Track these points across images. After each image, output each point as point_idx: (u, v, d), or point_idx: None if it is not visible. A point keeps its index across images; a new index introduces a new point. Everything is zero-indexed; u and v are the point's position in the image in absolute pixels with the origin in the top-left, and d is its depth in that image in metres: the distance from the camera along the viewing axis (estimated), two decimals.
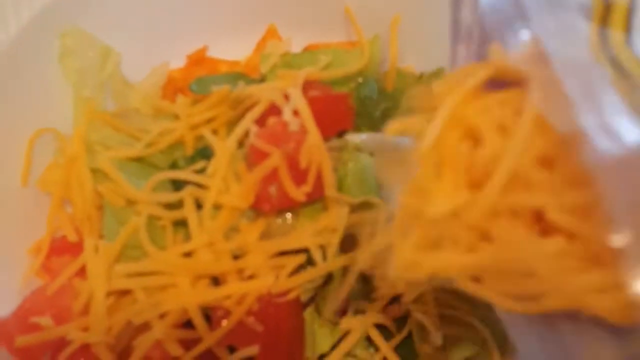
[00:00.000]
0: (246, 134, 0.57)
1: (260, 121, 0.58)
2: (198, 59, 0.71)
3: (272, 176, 0.53)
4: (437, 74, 0.67)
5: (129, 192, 0.58)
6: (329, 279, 0.57)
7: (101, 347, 0.56)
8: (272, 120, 0.54)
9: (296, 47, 0.71)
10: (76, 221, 0.63)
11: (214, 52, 0.72)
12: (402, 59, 0.69)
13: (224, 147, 0.55)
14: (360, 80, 0.64)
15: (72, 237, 0.63)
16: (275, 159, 0.52)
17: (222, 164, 0.55)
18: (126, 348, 0.57)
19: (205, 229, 0.54)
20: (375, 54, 0.66)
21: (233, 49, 0.72)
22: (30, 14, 0.60)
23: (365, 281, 0.60)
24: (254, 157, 0.53)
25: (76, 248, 0.63)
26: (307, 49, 0.71)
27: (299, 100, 0.55)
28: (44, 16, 0.61)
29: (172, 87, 0.69)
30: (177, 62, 0.71)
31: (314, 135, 0.53)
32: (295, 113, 0.56)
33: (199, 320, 0.53)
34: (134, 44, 0.67)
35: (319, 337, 0.57)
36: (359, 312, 0.58)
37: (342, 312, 0.58)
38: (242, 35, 0.72)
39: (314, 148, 0.52)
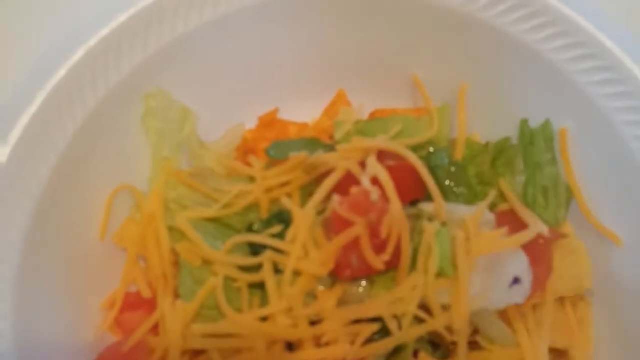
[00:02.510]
0: (322, 201, 0.59)
1: (336, 188, 0.59)
2: (269, 121, 0.73)
3: (353, 244, 0.54)
4: (503, 143, 0.68)
5: (207, 252, 0.60)
6: (398, 346, 0.58)
7: None
8: (354, 190, 0.56)
9: (363, 112, 0.74)
10: (150, 277, 0.64)
11: (284, 114, 0.75)
12: (467, 127, 0.71)
13: (304, 213, 0.57)
14: (431, 149, 0.65)
15: (147, 294, 0.64)
16: (360, 228, 0.53)
17: (302, 231, 0.56)
18: None
19: (284, 294, 0.55)
20: (444, 123, 0.67)
21: (302, 111, 0.74)
22: (117, 77, 0.63)
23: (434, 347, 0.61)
24: (337, 225, 0.55)
25: (149, 304, 0.64)
26: (374, 115, 0.73)
27: (379, 170, 0.56)
28: (129, 79, 0.64)
29: (245, 148, 0.72)
30: (249, 124, 0.74)
31: (396, 205, 0.55)
32: (373, 181, 0.57)
33: None
34: (209, 105, 0.70)
35: None
36: None
37: None
38: (311, 99, 0.74)
39: (396, 219, 0.54)
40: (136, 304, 0.65)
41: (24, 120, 0.59)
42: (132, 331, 0.62)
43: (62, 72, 0.60)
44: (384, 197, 0.56)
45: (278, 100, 0.75)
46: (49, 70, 0.60)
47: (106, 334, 0.65)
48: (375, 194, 0.55)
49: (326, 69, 0.73)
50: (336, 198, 0.55)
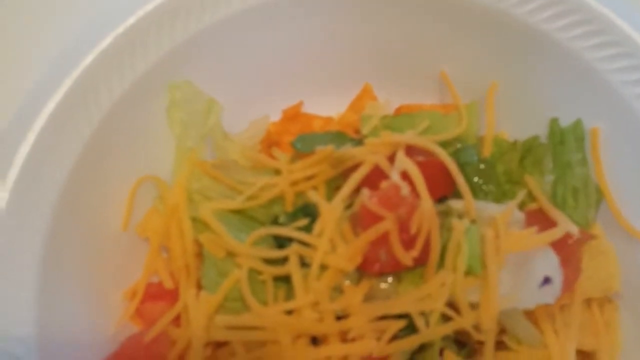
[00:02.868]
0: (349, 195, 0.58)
1: (363, 183, 0.58)
2: (293, 114, 0.72)
3: (382, 239, 0.53)
4: (532, 142, 0.67)
5: (231, 244, 0.59)
6: (424, 344, 0.57)
7: None
8: (384, 184, 0.55)
9: (389, 107, 0.73)
10: (173, 268, 0.64)
11: (308, 108, 0.74)
12: (495, 126, 0.70)
13: (332, 207, 0.56)
14: (459, 145, 0.65)
15: (169, 284, 0.64)
16: (389, 223, 0.52)
17: (330, 225, 0.55)
18: None
19: (310, 288, 0.55)
20: (473, 120, 0.67)
21: (327, 105, 0.74)
22: (144, 67, 0.62)
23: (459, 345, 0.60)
24: (365, 220, 0.54)
25: (171, 295, 0.64)
26: (400, 110, 0.72)
27: (409, 164, 0.56)
28: (155, 69, 0.63)
29: (268, 141, 0.71)
30: (274, 117, 0.73)
31: (427, 201, 0.54)
32: (402, 176, 0.56)
33: None
34: (234, 97, 0.69)
35: None
36: None
37: None
38: (337, 93, 0.73)
39: (426, 215, 0.53)
40: (158, 295, 0.64)
41: (50, 108, 0.58)
42: (153, 322, 0.62)
43: (88, 60, 0.59)
44: (414, 192, 0.55)
45: (303, 94, 0.74)
46: (75, 58, 0.59)
47: (128, 324, 0.65)
48: (405, 188, 0.54)
49: (352, 63, 0.72)
50: (365, 192, 0.54)
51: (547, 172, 0.66)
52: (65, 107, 0.59)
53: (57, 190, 0.58)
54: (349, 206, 0.58)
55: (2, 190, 0.56)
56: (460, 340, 0.60)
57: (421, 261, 0.55)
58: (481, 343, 0.58)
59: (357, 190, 0.59)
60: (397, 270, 0.55)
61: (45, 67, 0.58)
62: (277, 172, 0.65)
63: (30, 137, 0.57)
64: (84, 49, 0.59)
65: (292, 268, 0.56)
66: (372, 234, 0.53)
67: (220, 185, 0.65)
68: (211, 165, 0.66)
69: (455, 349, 0.59)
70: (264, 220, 0.62)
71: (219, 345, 0.58)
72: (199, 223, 0.63)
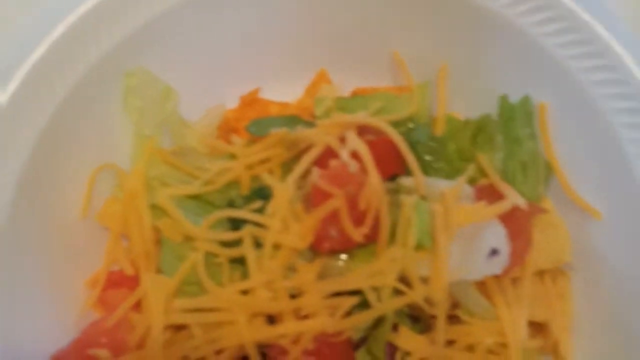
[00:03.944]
0: (302, 176, 0.59)
1: (316, 164, 0.59)
2: (250, 101, 0.73)
3: (332, 217, 0.54)
4: (484, 120, 0.69)
5: (188, 228, 0.60)
6: (378, 320, 0.58)
7: None
8: (333, 163, 0.56)
9: (344, 91, 0.74)
10: (132, 255, 0.65)
11: (266, 94, 0.75)
12: (447, 105, 0.71)
13: (284, 188, 0.57)
14: (410, 125, 0.66)
15: (129, 271, 0.64)
16: (339, 200, 0.53)
17: (282, 205, 0.56)
18: None
19: (264, 268, 0.56)
20: (424, 100, 0.68)
21: (283, 91, 0.74)
22: (98, 54, 0.63)
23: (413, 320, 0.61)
24: (316, 198, 0.55)
25: (132, 281, 0.65)
26: (355, 93, 0.73)
27: (358, 143, 0.57)
28: (110, 57, 0.63)
29: (226, 127, 0.72)
30: (231, 103, 0.74)
31: (374, 178, 0.55)
32: (352, 156, 0.57)
33: (255, 358, 0.55)
34: (191, 84, 0.70)
35: None
36: (406, 354, 0.59)
37: (392, 355, 0.59)
38: (293, 79, 0.74)
39: (375, 191, 0.54)
40: (119, 282, 0.65)
41: (3, 99, 0.59)
42: (115, 309, 0.62)
43: (41, 50, 0.60)
44: (363, 170, 0.56)
45: (260, 81, 0.75)
46: (29, 46, 0.60)
47: (90, 312, 0.65)
48: (353, 166, 0.55)
49: (307, 49, 0.73)
50: (315, 171, 0.56)
51: (498, 149, 0.67)
52: (19, 97, 0.59)
53: (13, 182, 0.58)
54: (302, 187, 0.59)
55: None
56: (414, 315, 0.61)
57: (372, 238, 0.56)
58: (435, 317, 0.59)
59: (310, 172, 0.60)
60: (349, 248, 0.56)
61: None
62: (234, 157, 0.65)
63: None
64: (36, 38, 0.60)
65: (246, 249, 0.57)
66: (322, 211, 0.54)
67: (178, 171, 0.66)
68: (169, 152, 0.66)
69: (410, 324, 0.60)
70: (221, 205, 0.63)
71: (178, 328, 0.59)
72: (157, 209, 0.63)
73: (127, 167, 0.67)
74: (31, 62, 0.59)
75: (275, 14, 0.70)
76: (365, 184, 0.55)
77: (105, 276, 0.65)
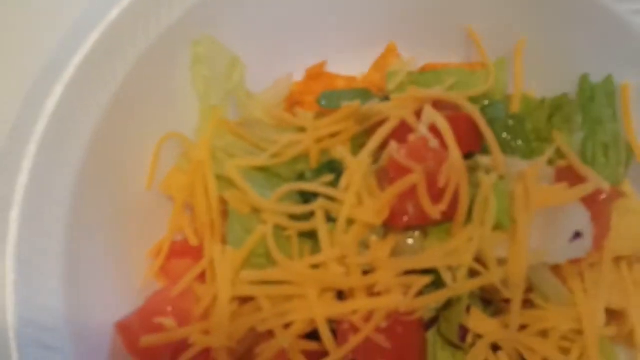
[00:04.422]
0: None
1: (390, 139, 0.58)
2: (316, 74, 0.72)
3: (409, 193, 0.53)
4: (561, 99, 0.66)
5: (256, 200, 0.59)
6: (448, 300, 0.57)
7: (222, 352, 0.56)
8: (412, 137, 0.54)
9: (414, 66, 0.72)
10: (197, 225, 0.64)
11: (332, 68, 0.73)
12: (523, 83, 0.68)
13: (358, 161, 0.56)
14: (486, 102, 0.63)
15: (193, 241, 0.64)
16: (417, 175, 0.52)
17: (356, 179, 0.55)
18: (246, 355, 0.58)
19: (336, 243, 0.54)
20: (501, 77, 0.65)
21: (350, 65, 0.73)
22: (168, 22, 0.62)
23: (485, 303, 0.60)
24: (393, 173, 0.53)
25: (196, 252, 0.64)
26: (425, 69, 0.71)
27: (438, 118, 0.55)
28: (180, 25, 0.62)
29: (291, 100, 0.70)
30: (296, 76, 0.72)
31: (455, 154, 0.53)
32: (430, 130, 0.56)
33: (326, 333, 0.53)
34: (257, 56, 0.68)
35: (441, 359, 0.56)
36: (477, 337, 0.57)
37: (462, 337, 0.57)
38: (360, 52, 0.72)
39: (455, 167, 0.52)
40: (183, 252, 0.64)
41: (76, 61, 0.58)
42: (178, 279, 0.62)
43: (113, 15, 0.59)
44: (442, 146, 0.54)
45: (327, 54, 0.73)
46: (101, 13, 0.59)
47: (152, 282, 0.65)
48: (433, 141, 0.53)
49: (376, 21, 0.71)
50: (394, 144, 0.54)
51: (576, 130, 0.65)
52: (92, 61, 0.59)
53: (82, 148, 0.58)
54: (374, 162, 0.58)
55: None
56: (486, 298, 0.60)
57: (449, 216, 0.54)
58: (507, 301, 0.57)
59: (382, 147, 0.59)
60: (424, 225, 0.55)
61: (71, 22, 0.58)
62: (301, 130, 0.64)
63: (58, 90, 0.57)
64: (110, 3, 0.59)
65: (319, 222, 0.55)
66: (400, 186, 0.52)
67: (244, 143, 0.65)
68: (235, 123, 0.65)
69: (481, 307, 0.59)
70: (288, 178, 0.62)
71: (244, 301, 0.58)
72: (223, 180, 0.62)
73: (193, 138, 0.66)
74: (101, 29, 0.59)
75: None
76: (444, 159, 0.53)
77: (168, 246, 0.64)
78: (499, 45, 0.69)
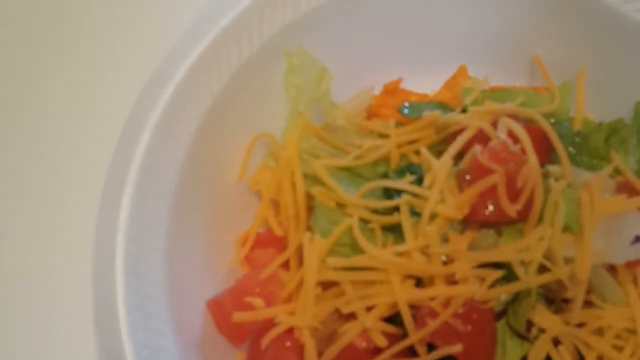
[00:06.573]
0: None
1: (466, 146, 0.64)
2: (393, 89, 0.78)
3: (489, 192, 0.59)
4: (617, 123, 0.72)
5: (342, 196, 0.65)
6: (516, 295, 0.62)
7: (306, 331, 0.62)
8: (494, 141, 0.60)
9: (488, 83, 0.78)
10: (282, 218, 0.70)
11: (406, 85, 0.80)
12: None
13: (442, 162, 0.62)
14: (552, 120, 0.70)
15: (278, 232, 0.70)
16: (499, 175, 0.57)
17: (440, 178, 0.61)
18: (328, 335, 0.63)
19: (419, 235, 0.60)
20: (565, 99, 0.72)
21: (423, 83, 0.79)
22: (270, 32, 0.69)
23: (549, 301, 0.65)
24: (475, 173, 0.59)
25: (279, 242, 0.70)
26: (493, 90, 0.77)
27: (516, 126, 0.61)
28: (278, 36, 0.70)
29: (368, 112, 0.77)
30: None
31: (533, 158, 0.59)
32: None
33: (407, 316, 0.59)
34: (342, 68, 0.75)
35: (509, 348, 0.61)
36: (541, 330, 0.62)
37: (527, 330, 0.62)
38: (433, 72, 0.79)
39: (532, 170, 0.58)
40: (267, 242, 0.70)
41: (187, 64, 0.65)
42: (261, 267, 0.68)
43: (224, 23, 0.67)
44: (521, 151, 0.60)
45: (400, 72, 0.80)
46: (214, 20, 0.66)
47: (235, 269, 0.71)
48: (513, 146, 0.60)
49: (450, 44, 0.78)
50: (477, 147, 0.60)
51: (631, 151, 0.71)
52: (196, 70, 0.66)
53: (187, 145, 0.65)
54: (453, 166, 0.64)
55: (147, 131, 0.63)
56: (548, 298, 0.65)
57: (523, 215, 0.60)
58: (567, 301, 0.62)
59: (458, 155, 0.65)
60: (500, 222, 0.60)
61: (188, 26, 0.66)
62: (382, 136, 0.70)
63: (171, 87, 0.64)
64: (221, 13, 0.67)
65: (403, 216, 0.61)
66: (482, 185, 0.58)
67: (328, 145, 0.71)
68: (320, 127, 0.72)
69: (545, 305, 0.64)
70: (370, 178, 0.68)
71: (327, 286, 0.64)
72: (309, 179, 0.68)
73: (279, 140, 0.73)
74: (216, 31, 0.66)
75: (426, 9, 0.75)
76: (523, 163, 0.59)
77: (254, 235, 0.70)
78: (559, 70, 0.75)
